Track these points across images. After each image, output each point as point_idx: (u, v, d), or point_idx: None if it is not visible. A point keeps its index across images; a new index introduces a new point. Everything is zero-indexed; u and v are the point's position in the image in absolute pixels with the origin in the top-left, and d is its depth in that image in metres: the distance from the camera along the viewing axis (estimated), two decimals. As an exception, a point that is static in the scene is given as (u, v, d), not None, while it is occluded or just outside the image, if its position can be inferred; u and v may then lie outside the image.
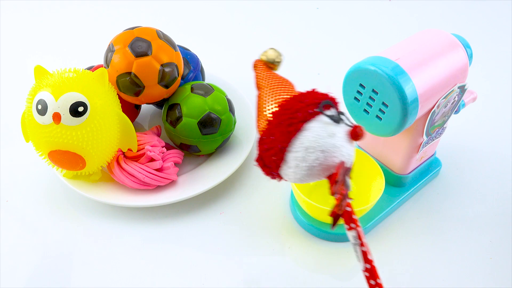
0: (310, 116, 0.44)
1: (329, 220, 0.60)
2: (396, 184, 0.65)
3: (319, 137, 0.43)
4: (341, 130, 0.44)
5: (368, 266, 0.42)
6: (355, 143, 0.46)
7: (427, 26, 0.66)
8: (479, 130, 0.77)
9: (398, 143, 0.61)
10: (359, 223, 0.43)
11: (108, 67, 0.63)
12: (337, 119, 0.44)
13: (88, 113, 0.56)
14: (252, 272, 0.58)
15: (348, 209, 0.43)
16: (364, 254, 0.42)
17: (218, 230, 0.62)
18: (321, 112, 0.44)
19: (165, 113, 0.66)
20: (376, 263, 0.43)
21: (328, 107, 0.45)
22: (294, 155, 0.44)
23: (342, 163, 0.43)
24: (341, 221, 0.43)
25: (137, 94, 0.63)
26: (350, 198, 0.43)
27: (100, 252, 0.60)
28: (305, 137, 0.43)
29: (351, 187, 0.43)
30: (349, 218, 0.43)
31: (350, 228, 0.43)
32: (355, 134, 0.43)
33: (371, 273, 0.42)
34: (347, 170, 0.43)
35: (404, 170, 0.63)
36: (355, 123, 0.45)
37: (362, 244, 0.42)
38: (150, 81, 0.62)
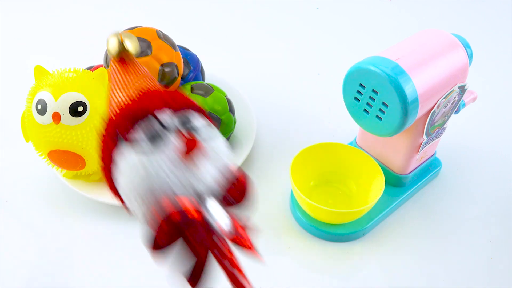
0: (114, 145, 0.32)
1: (328, 220, 0.60)
2: (396, 184, 0.64)
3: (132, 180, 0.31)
4: (164, 154, 0.31)
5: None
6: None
7: (427, 26, 0.66)
8: (479, 130, 0.77)
9: (398, 143, 0.61)
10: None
11: (108, 67, 0.63)
12: (152, 137, 0.32)
13: (88, 113, 0.56)
14: (252, 272, 0.58)
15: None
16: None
17: (218, 230, 0.62)
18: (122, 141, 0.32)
19: (165, 113, 0.66)
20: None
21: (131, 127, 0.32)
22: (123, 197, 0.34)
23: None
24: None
25: (137, 94, 0.63)
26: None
27: (100, 252, 0.60)
28: (119, 182, 0.32)
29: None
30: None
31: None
32: (190, 146, 0.32)
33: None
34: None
35: (404, 170, 0.63)
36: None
37: None
38: (150, 81, 0.62)
